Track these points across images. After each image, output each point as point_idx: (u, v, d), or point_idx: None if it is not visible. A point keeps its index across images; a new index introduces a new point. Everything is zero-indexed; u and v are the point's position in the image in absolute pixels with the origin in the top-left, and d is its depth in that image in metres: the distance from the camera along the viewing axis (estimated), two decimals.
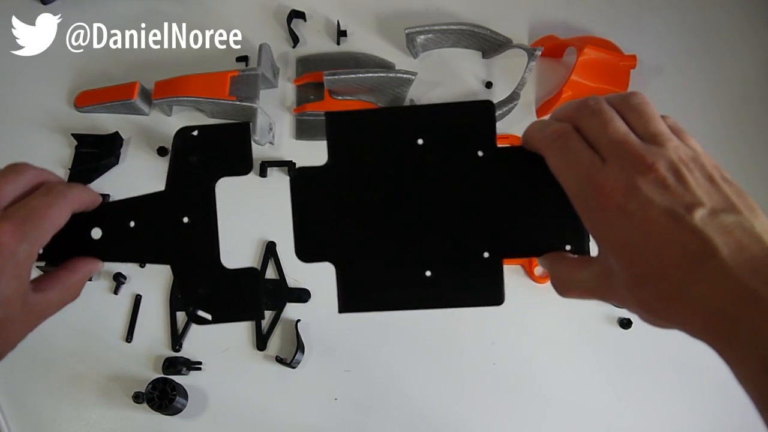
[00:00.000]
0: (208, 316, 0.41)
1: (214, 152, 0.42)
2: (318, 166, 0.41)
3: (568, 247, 0.39)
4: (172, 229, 0.41)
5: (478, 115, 0.40)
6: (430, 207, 0.39)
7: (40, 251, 0.39)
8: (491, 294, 0.40)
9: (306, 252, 0.41)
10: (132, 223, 0.41)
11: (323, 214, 0.40)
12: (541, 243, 0.39)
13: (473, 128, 0.39)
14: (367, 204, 0.40)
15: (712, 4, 0.97)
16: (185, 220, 0.41)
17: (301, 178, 0.41)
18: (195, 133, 0.42)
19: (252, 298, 0.41)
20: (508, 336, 0.76)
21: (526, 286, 0.78)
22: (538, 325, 0.77)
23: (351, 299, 0.40)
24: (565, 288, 0.37)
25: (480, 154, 0.39)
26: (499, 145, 0.39)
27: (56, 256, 0.41)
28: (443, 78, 0.91)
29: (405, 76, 0.83)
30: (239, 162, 0.42)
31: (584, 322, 0.77)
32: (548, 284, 0.78)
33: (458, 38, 0.91)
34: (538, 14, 0.96)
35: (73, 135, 0.85)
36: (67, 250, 0.41)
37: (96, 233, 0.41)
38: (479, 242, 0.39)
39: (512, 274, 0.79)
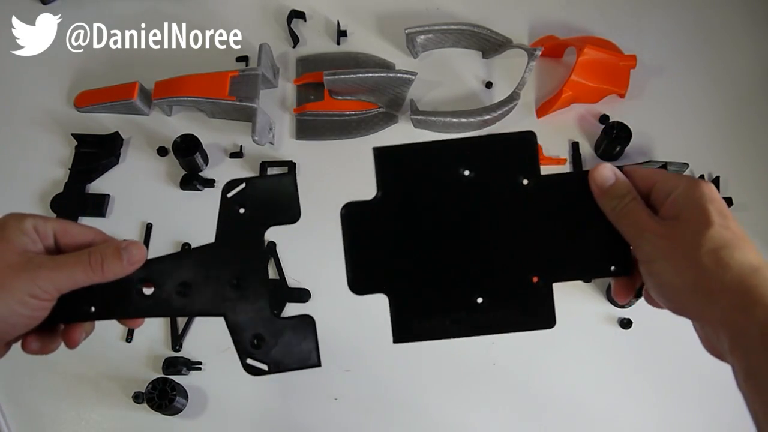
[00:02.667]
0: (264, 367, 0.41)
1: (262, 203, 0.42)
2: (367, 200, 0.41)
3: (612, 268, 0.40)
4: (224, 284, 0.41)
5: (521, 145, 0.41)
6: (478, 235, 0.40)
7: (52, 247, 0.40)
8: (542, 318, 0.41)
9: (359, 284, 0.41)
10: (183, 280, 0.41)
11: (373, 246, 0.41)
12: (588, 266, 0.41)
13: (517, 158, 0.41)
14: (417, 234, 0.41)
15: (712, 4, 0.97)
16: (238, 273, 0.41)
17: (351, 213, 0.41)
18: (242, 186, 0.43)
19: (309, 344, 0.42)
20: (508, 336, 0.76)
21: None
22: None
23: (405, 329, 0.41)
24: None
25: (525, 182, 0.40)
26: (543, 174, 0.41)
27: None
28: (443, 78, 0.91)
29: (405, 76, 0.83)
30: (288, 211, 0.43)
31: (584, 322, 0.77)
32: None
33: (458, 38, 0.91)
34: (538, 14, 0.96)
35: (73, 135, 0.85)
36: (117, 307, 0.41)
37: (147, 291, 0.41)
38: (528, 268, 0.40)
39: None
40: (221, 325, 0.80)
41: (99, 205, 0.82)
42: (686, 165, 0.81)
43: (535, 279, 0.40)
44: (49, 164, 0.85)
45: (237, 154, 0.85)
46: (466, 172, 0.41)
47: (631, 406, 0.73)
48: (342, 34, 0.93)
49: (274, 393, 0.74)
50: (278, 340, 0.41)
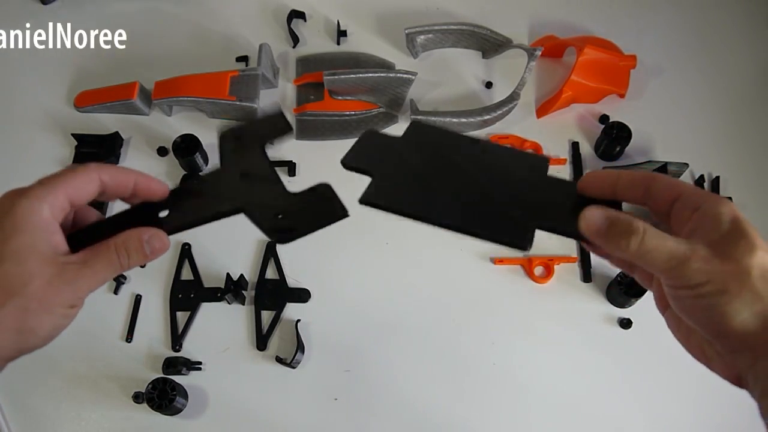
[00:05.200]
0: (294, 230, 0.41)
1: (256, 133, 0.44)
2: (390, 134, 0.45)
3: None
4: (235, 182, 0.42)
5: (536, 165, 0.42)
6: (478, 186, 0.41)
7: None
8: (519, 235, 0.38)
9: (351, 159, 0.42)
10: (195, 185, 0.43)
11: (383, 155, 0.43)
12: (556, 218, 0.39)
13: (528, 172, 0.42)
14: (420, 164, 0.42)
15: (712, 4, 0.97)
16: (243, 174, 0.42)
17: (372, 135, 0.45)
18: (239, 128, 0.45)
19: (332, 202, 0.41)
20: (508, 336, 0.76)
21: (526, 286, 0.78)
22: (538, 325, 0.77)
23: (375, 193, 0.40)
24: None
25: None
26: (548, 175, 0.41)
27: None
28: (443, 78, 0.91)
29: (405, 76, 0.83)
30: (278, 128, 0.45)
31: (584, 322, 0.77)
32: (548, 284, 0.78)
33: (458, 38, 0.91)
34: (538, 14, 0.96)
35: (73, 135, 0.85)
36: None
37: (163, 213, 0.41)
38: (516, 207, 0.39)
39: (512, 274, 0.79)
40: (221, 325, 0.80)
41: (99, 205, 0.82)
42: (686, 165, 0.81)
43: (519, 213, 0.39)
44: (49, 164, 0.85)
45: None
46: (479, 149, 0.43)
47: (631, 406, 0.73)
48: (342, 34, 0.93)
49: (274, 393, 0.74)
50: (303, 209, 0.41)
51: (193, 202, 0.42)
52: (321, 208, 0.41)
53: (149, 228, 0.39)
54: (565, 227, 0.38)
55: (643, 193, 0.37)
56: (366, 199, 0.39)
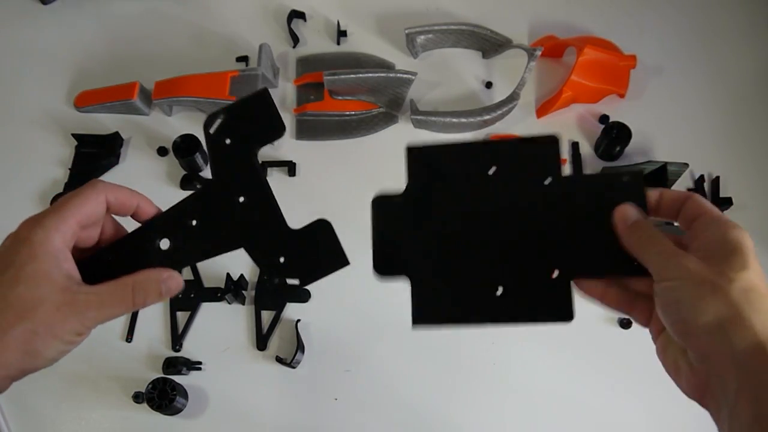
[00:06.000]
0: (296, 281, 0.41)
1: (244, 127, 0.43)
2: (397, 192, 0.43)
3: (635, 264, 0.40)
4: (233, 213, 0.42)
5: (546, 147, 0.42)
6: (501, 230, 0.42)
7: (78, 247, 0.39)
8: (560, 311, 0.41)
9: (382, 266, 0.43)
10: (194, 222, 0.42)
11: (399, 234, 0.43)
12: (606, 263, 0.41)
13: (541, 158, 0.42)
14: (442, 226, 0.42)
15: (712, 4, 0.97)
16: (241, 200, 0.42)
17: (380, 202, 0.43)
18: (221, 117, 0.43)
19: (332, 246, 0.41)
20: (508, 336, 0.76)
21: None
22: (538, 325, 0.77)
23: (423, 313, 0.41)
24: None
25: (547, 181, 0.42)
26: (564, 174, 0.42)
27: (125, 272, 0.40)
28: (443, 78, 0.91)
29: (405, 76, 0.83)
30: (271, 127, 0.43)
31: (584, 322, 0.77)
32: None
33: (458, 38, 0.91)
34: (538, 14, 0.96)
35: (73, 135, 0.85)
36: (137, 265, 0.41)
37: (164, 244, 0.41)
38: (548, 262, 0.41)
39: None
40: (221, 325, 0.80)
41: None
42: (686, 165, 0.81)
43: (555, 273, 0.40)
44: (49, 164, 0.85)
45: None
46: (492, 170, 0.42)
47: (631, 406, 0.73)
48: (342, 34, 0.93)
49: (274, 393, 0.74)
50: (302, 252, 0.41)
51: (193, 241, 0.42)
52: (322, 253, 0.41)
53: (165, 269, 0.41)
54: (605, 269, 0.41)
55: (679, 208, 0.40)
56: (419, 323, 0.41)
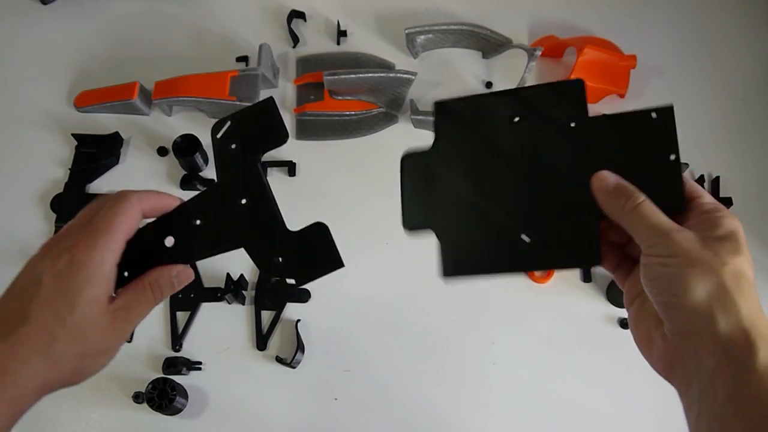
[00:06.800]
0: (292, 281, 0.42)
1: (249, 133, 0.44)
2: (425, 149, 0.44)
3: (667, 206, 0.40)
4: (235, 214, 0.43)
5: (570, 91, 0.42)
6: (527, 177, 0.42)
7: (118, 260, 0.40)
8: (587, 254, 0.40)
9: (411, 222, 0.44)
10: (198, 221, 0.43)
11: (427, 189, 0.44)
12: None
13: (565, 102, 0.42)
14: (468, 178, 0.43)
15: (712, 4, 0.97)
16: (243, 201, 0.43)
17: (409, 160, 0.45)
18: (228, 124, 0.45)
19: (328, 249, 0.42)
20: (508, 336, 0.76)
21: (526, 286, 0.78)
22: (538, 325, 0.77)
23: (452, 265, 0.42)
24: None
25: (573, 124, 0.42)
26: (590, 116, 0.42)
27: (139, 272, 0.42)
28: (443, 78, 0.91)
29: (405, 76, 0.83)
30: (274, 134, 0.44)
31: (584, 322, 0.77)
32: (548, 284, 0.78)
33: (458, 38, 0.91)
34: (538, 14, 0.96)
35: (73, 135, 0.85)
36: (147, 264, 0.42)
37: (169, 242, 0.43)
38: (574, 205, 0.41)
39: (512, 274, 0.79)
40: (221, 325, 0.80)
41: None
42: (686, 165, 0.81)
43: (581, 217, 0.40)
44: (49, 164, 0.85)
45: None
46: (516, 119, 0.43)
47: (631, 406, 0.73)
48: (342, 34, 0.93)
49: (274, 393, 0.74)
50: (300, 253, 0.42)
51: (197, 239, 0.43)
52: (318, 255, 0.42)
53: (176, 265, 0.42)
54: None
55: None
56: (449, 275, 0.42)
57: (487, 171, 0.43)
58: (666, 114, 0.40)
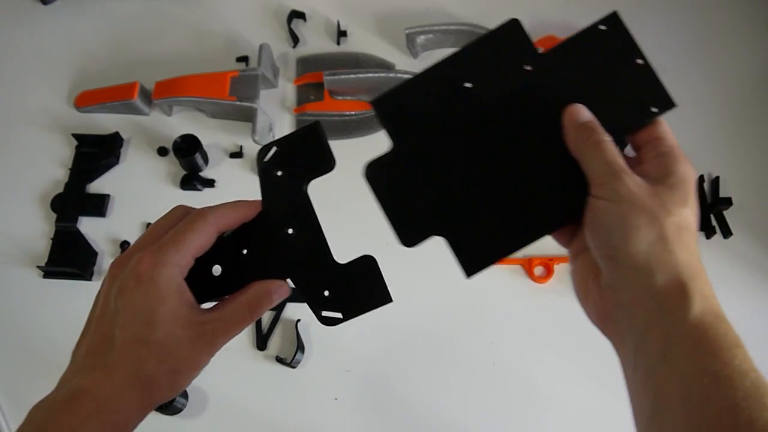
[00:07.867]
0: (339, 315, 0.41)
1: (296, 159, 0.42)
2: (385, 153, 0.41)
3: (654, 110, 0.39)
4: (281, 244, 0.41)
5: (509, 35, 0.40)
6: (503, 141, 0.39)
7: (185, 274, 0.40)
8: (578, 206, 0.38)
9: (408, 237, 0.41)
10: (244, 251, 0.41)
11: (408, 195, 0.41)
12: (627, 117, 0.40)
13: (510, 49, 0.40)
14: (443, 167, 0.40)
15: (711, 4, 0.97)
16: (290, 231, 0.41)
17: (374, 170, 0.42)
18: (274, 149, 0.42)
19: (377, 283, 0.41)
20: (508, 336, 0.76)
21: (526, 286, 0.78)
22: (538, 325, 0.77)
23: (471, 261, 0.40)
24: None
25: (528, 67, 0.39)
26: (540, 51, 0.39)
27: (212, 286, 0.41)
28: None
29: (405, 76, 0.83)
30: (321, 161, 0.43)
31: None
32: (548, 284, 0.78)
33: (458, 38, 0.91)
34: (538, 14, 0.96)
35: (73, 135, 0.85)
36: (240, 279, 0.41)
37: (216, 270, 0.42)
38: (561, 152, 0.39)
39: (512, 274, 0.79)
40: None
41: (99, 205, 0.82)
42: None
43: (565, 165, 0.38)
44: (49, 164, 0.85)
45: (237, 154, 0.85)
46: (467, 85, 0.40)
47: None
48: (342, 34, 0.93)
49: (274, 393, 0.74)
50: (347, 287, 0.41)
51: (243, 269, 0.41)
52: (366, 289, 0.41)
53: (274, 281, 0.41)
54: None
55: None
56: (472, 273, 0.40)
57: (460, 152, 0.40)
58: (613, 21, 0.39)
